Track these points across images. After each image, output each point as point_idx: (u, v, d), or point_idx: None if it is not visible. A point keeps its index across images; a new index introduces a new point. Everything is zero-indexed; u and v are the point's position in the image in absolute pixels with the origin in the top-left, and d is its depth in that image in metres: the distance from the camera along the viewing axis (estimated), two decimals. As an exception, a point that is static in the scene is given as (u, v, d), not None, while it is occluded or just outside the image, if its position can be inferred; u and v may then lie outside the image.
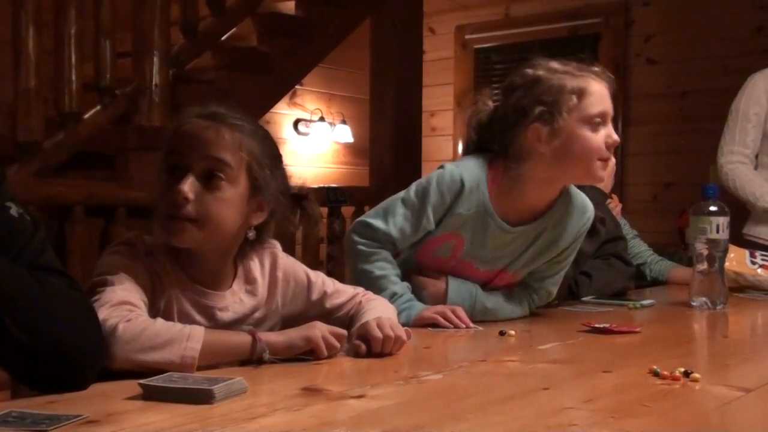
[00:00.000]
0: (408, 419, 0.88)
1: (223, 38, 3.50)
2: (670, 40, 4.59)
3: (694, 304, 1.74)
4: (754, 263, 2.06)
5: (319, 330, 1.18)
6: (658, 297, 1.91)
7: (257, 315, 1.29)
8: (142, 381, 0.95)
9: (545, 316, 1.64)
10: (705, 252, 1.72)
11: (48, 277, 1.01)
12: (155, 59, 3.09)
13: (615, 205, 2.20)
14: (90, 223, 2.77)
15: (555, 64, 1.53)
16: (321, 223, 3.51)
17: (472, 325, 1.47)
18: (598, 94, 1.50)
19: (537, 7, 4.94)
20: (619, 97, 4.72)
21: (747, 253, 2.09)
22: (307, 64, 3.75)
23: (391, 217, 1.54)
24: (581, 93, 1.48)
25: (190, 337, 1.09)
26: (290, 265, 1.34)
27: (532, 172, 1.53)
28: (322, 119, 4.91)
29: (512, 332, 1.38)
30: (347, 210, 3.69)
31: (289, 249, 3.35)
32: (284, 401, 0.94)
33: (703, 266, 1.73)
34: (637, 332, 1.40)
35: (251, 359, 1.13)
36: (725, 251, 1.73)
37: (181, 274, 1.23)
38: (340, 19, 3.78)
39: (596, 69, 1.54)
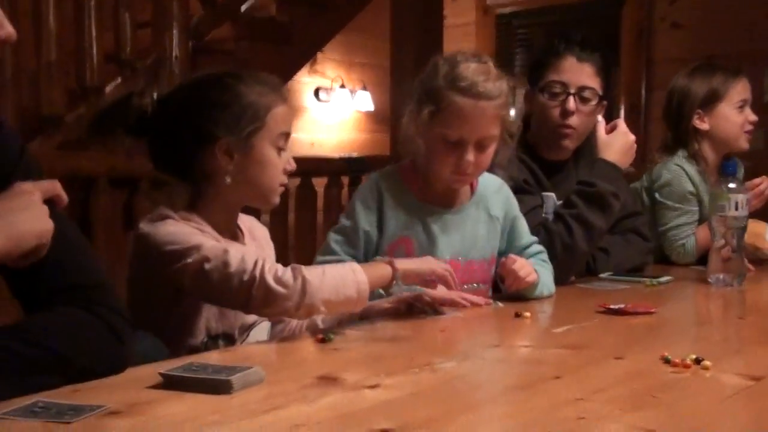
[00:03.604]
0: (421, 411, 0.90)
1: (243, 8, 3.48)
2: (695, 4, 4.51)
3: (711, 281, 1.74)
4: (773, 239, 2.06)
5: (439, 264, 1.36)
6: (676, 273, 1.91)
7: None
8: (162, 371, 0.98)
9: (562, 295, 1.66)
10: (723, 229, 1.72)
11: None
12: (174, 31, 3.10)
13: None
14: (113, 195, 2.80)
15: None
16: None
17: (491, 301, 1.50)
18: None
19: (560, -29, 4.87)
20: (642, 62, 4.67)
21: (767, 226, 2.09)
22: (327, 33, 3.74)
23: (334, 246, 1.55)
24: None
25: (355, 271, 1.24)
26: None
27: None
28: (342, 87, 4.90)
29: (527, 314, 1.39)
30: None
31: (312, 214, 3.39)
32: (300, 391, 0.96)
33: (721, 243, 1.73)
34: (651, 313, 1.41)
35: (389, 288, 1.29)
36: (744, 228, 1.73)
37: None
38: (361, -11, 3.76)
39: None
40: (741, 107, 2.16)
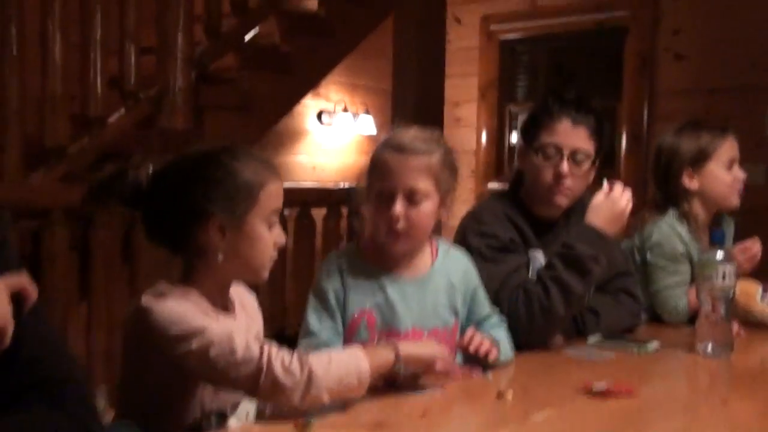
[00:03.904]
0: None
1: (246, 38, 3.51)
2: (698, 36, 4.53)
3: (699, 349, 1.76)
4: (764, 299, 2.07)
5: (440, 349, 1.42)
6: (666, 336, 1.91)
7: None
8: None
9: (548, 366, 1.67)
10: (710, 298, 1.73)
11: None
12: (178, 61, 3.13)
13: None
14: (112, 228, 2.83)
15: None
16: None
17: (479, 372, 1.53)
18: None
19: (564, -2, 4.89)
20: (645, 92, 4.69)
21: (760, 288, 2.10)
22: (329, 62, 3.77)
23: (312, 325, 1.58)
24: None
25: (359, 358, 1.30)
26: None
27: None
28: (345, 110, 4.93)
29: (510, 393, 1.41)
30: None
31: (310, 244, 3.41)
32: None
33: (709, 310, 1.75)
34: (633, 395, 1.42)
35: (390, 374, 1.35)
36: (731, 298, 1.74)
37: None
38: (363, 17, 3.79)
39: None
40: (730, 166, 2.18)
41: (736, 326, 1.96)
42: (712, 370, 1.71)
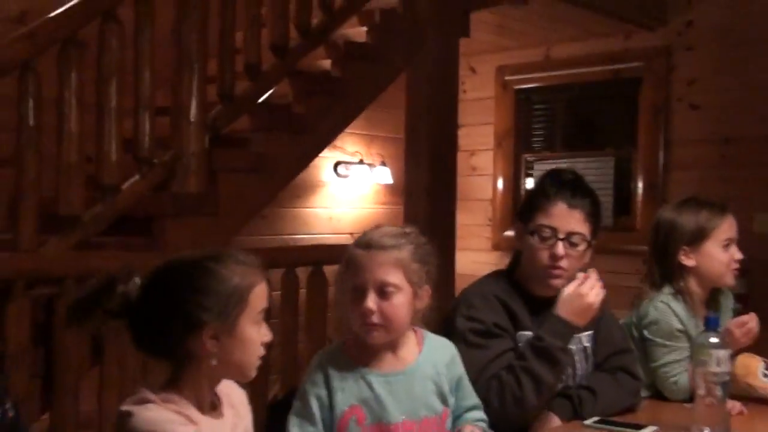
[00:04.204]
0: None
1: (260, 100, 3.57)
2: (713, 86, 4.54)
3: (694, 432, 1.75)
4: (766, 376, 2.06)
5: None
6: (667, 414, 1.91)
7: None
8: None
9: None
10: (704, 383, 1.73)
11: None
12: (192, 126, 3.20)
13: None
14: (127, 292, 2.87)
15: None
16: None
17: None
18: None
19: (578, 49, 4.93)
20: (660, 141, 4.69)
21: (762, 364, 2.09)
22: (342, 121, 3.81)
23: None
24: None
25: None
26: None
27: None
28: (361, 162, 4.98)
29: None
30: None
31: (323, 300, 3.44)
32: None
33: (705, 395, 1.74)
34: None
35: None
36: (725, 384, 1.74)
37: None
38: (376, 75, 3.84)
39: None
40: (727, 245, 2.18)
41: (738, 405, 1.96)
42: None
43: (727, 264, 2.18)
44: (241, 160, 3.41)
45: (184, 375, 1.36)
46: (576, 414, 1.90)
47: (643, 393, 2.11)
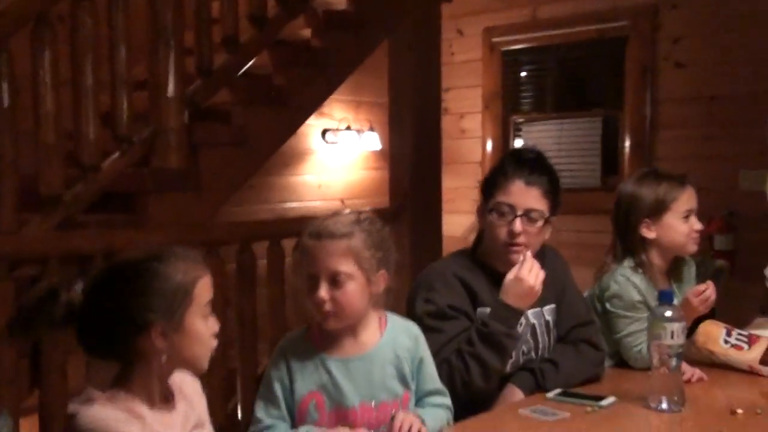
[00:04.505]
0: None
1: (239, 73, 3.56)
2: (698, 44, 4.51)
3: (651, 405, 1.79)
4: (727, 342, 2.09)
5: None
6: (628, 385, 1.95)
7: None
8: None
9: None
10: (658, 355, 1.77)
11: None
12: (170, 102, 3.20)
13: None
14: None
15: None
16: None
17: None
18: None
19: (563, 9, 4.89)
20: (646, 100, 4.68)
21: (723, 331, 2.13)
22: (323, 92, 3.81)
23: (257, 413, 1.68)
24: None
25: None
26: None
27: None
28: (348, 128, 4.98)
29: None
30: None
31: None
32: None
33: (659, 367, 1.78)
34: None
35: None
36: (679, 356, 1.77)
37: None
38: (356, 45, 3.82)
39: None
40: (686, 217, 2.21)
41: (698, 372, 2.00)
42: (664, 426, 1.75)
43: (687, 234, 2.21)
44: (222, 134, 3.42)
45: (134, 372, 1.39)
46: (539, 387, 1.94)
47: (608, 363, 2.15)
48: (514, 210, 1.93)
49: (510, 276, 1.88)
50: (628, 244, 2.22)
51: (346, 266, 1.62)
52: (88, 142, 3.01)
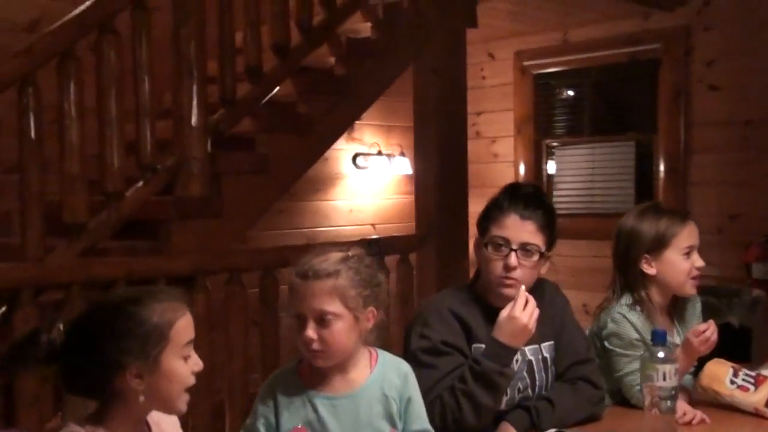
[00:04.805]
0: None
1: (263, 102, 3.61)
2: (732, 66, 4.44)
3: (643, 447, 1.76)
4: (733, 383, 2.03)
5: None
6: (625, 423, 1.91)
7: None
8: None
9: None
10: (650, 397, 1.74)
11: None
12: (193, 132, 3.26)
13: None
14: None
15: None
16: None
17: None
18: None
19: (595, 32, 4.85)
20: (680, 124, 4.61)
21: (730, 371, 2.06)
22: (347, 119, 3.85)
23: None
24: None
25: None
26: None
27: None
28: (379, 153, 5.01)
29: None
30: (391, 259, 3.78)
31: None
32: None
33: (650, 407, 1.75)
34: None
35: None
36: (672, 398, 1.74)
37: None
38: (380, 72, 3.85)
39: None
40: (687, 253, 2.16)
41: (699, 415, 1.96)
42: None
43: (687, 272, 2.16)
44: (245, 162, 3.47)
45: (111, 410, 1.42)
46: (533, 425, 1.91)
47: (609, 401, 2.12)
48: (509, 244, 1.92)
49: (504, 314, 1.87)
50: (628, 280, 2.19)
51: (333, 306, 1.63)
52: (113, 171, 3.08)
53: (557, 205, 5.21)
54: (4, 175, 2.87)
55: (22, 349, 1.39)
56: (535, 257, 1.93)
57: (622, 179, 4.91)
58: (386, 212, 5.11)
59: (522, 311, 1.84)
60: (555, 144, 5.22)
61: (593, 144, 5.02)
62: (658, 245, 2.15)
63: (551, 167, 5.22)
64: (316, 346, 1.64)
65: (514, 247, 1.92)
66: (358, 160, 4.97)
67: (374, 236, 4.07)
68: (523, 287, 1.89)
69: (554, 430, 1.88)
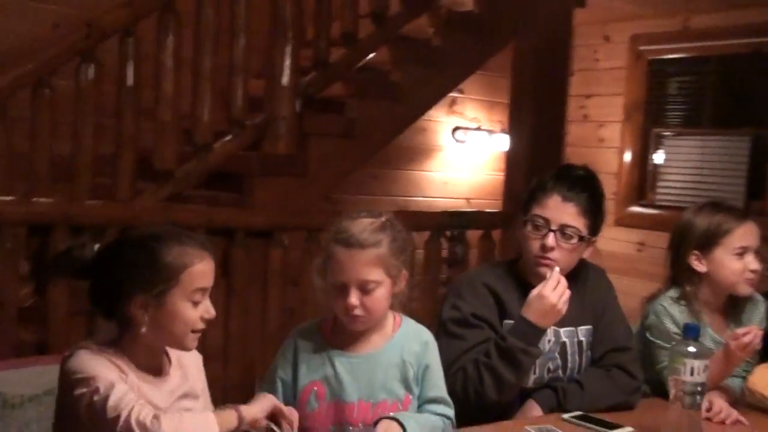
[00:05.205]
0: None
1: (356, 67, 3.65)
2: None
3: (665, 439, 1.70)
4: (784, 387, 1.94)
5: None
6: (648, 418, 1.85)
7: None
8: None
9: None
10: (675, 390, 1.68)
11: None
12: (284, 91, 3.35)
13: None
14: (212, 243, 3.10)
15: None
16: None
17: None
18: None
19: (718, 20, 4.61)
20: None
21: (780, 373, 1.97)
22: (439, 92, 3.84)
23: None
24: None
25: (208, 421, 1.42)
26: None
27: None
28: (479, 129, 4.97)
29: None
30: (475, 234, 3.77)
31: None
32: None
33: (673, 401, 1.69)
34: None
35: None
36: (700, 394, 1.67)
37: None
38: (478, 47, 3.81)
39: None
40: (740, 254, 2.04)
41: (735, 414, 1.88)
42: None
43: (739, 273, 2.05)
44: (333, 125, 3.53)
45: (124, 336, 1.52)
46: (559, 405, 1.89)
47: (647, 391, 2.06)
48: (548, 224, 1.90)
49: (534, 292, 1.86)
50: (676, 273, 2.11)
51: (376, 275, 1.66)
52: (203, 123, 3.22)
53: (661, 197, 5.14)
54: (103, 119, 3.03)
55: (57, 260, 1.52)
56: (574, 240, 1.90)
57: (733, 175, 4.67)
58: (482, 188, 5.07)
59: (552, 291, 1.82)
60: (665, 133, 5.02)
61: (705, 136, 4.80)
62: (708, 242, 2.05)
63: (658, 157, 5.03)
64: (358, 312, 1.67)
65: (553, 227, 1.89)
66: (457, 133, 4.94)
67: (460, 209, 4.06)
68: (557, 268, 1.86)
69: (578, 412, 1.86)
